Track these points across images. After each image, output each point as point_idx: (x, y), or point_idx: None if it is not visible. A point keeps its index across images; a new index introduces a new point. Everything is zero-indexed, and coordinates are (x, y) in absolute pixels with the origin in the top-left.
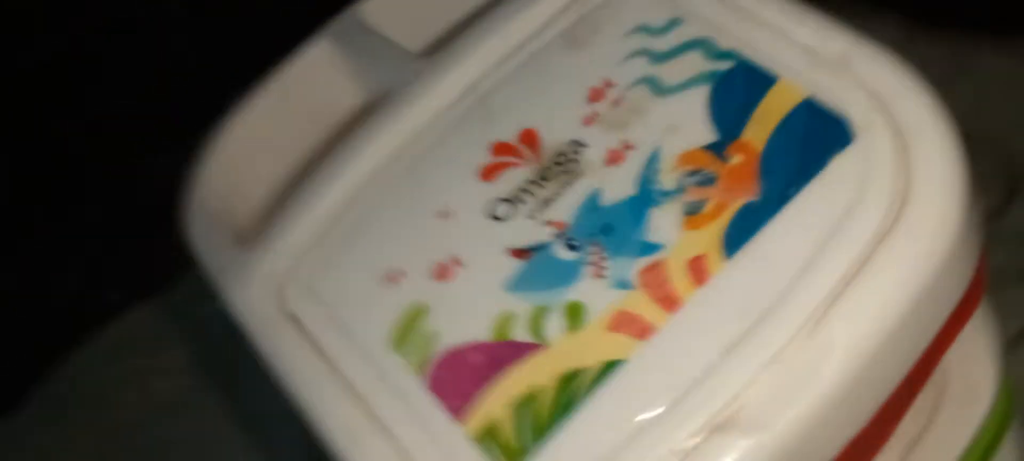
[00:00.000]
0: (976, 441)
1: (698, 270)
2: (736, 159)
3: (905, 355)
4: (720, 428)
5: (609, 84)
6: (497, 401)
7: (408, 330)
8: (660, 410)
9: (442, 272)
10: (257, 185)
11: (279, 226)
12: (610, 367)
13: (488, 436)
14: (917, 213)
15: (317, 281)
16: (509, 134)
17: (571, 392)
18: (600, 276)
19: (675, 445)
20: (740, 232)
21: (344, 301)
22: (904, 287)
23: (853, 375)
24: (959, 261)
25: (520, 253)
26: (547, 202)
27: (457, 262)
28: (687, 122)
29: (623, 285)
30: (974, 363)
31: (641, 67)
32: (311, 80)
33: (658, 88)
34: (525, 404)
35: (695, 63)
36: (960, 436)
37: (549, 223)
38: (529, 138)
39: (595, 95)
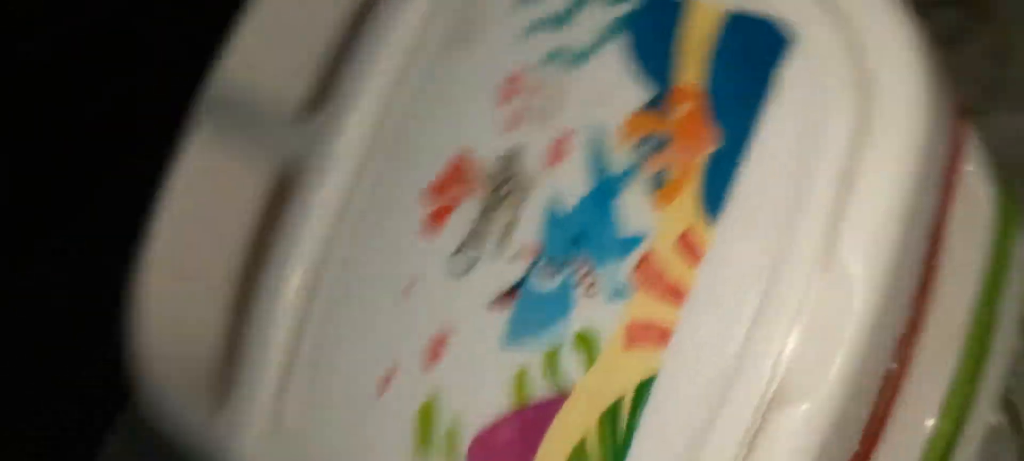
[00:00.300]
0: (990, 258)
1: (690, 248)
2: (682, 109)
3: (918, 246)
4: (773, 406)
5: (517, 75)
6: None
7: (427, 433)
8: (710, 412)
9: (433, 354)
10: (194, 311)
11: (247, 377)
12: (644, 387)
13: None
14: (885, 97)
15: (313, 421)
16: (436, 172)
17: (617, 429)
18: (594, 293)
19: (736, 442)
20: (716, 189)
21: (351, 430)
22: (898, 183)
23: (879, 293)
24: (940, 125)
25: (502, 301)
26: (506, 233)
27: (443, 337)
28: (614, 86)
29: (621, 294)
30: (972, 196)
31: (543, 41)
32: (206, 179)
33: (570, 58)
34: (578, 458)
35: (597, 15)
36: (974, 262)
37: (517, 256)
38: (459, 169)
39: (507, 92)
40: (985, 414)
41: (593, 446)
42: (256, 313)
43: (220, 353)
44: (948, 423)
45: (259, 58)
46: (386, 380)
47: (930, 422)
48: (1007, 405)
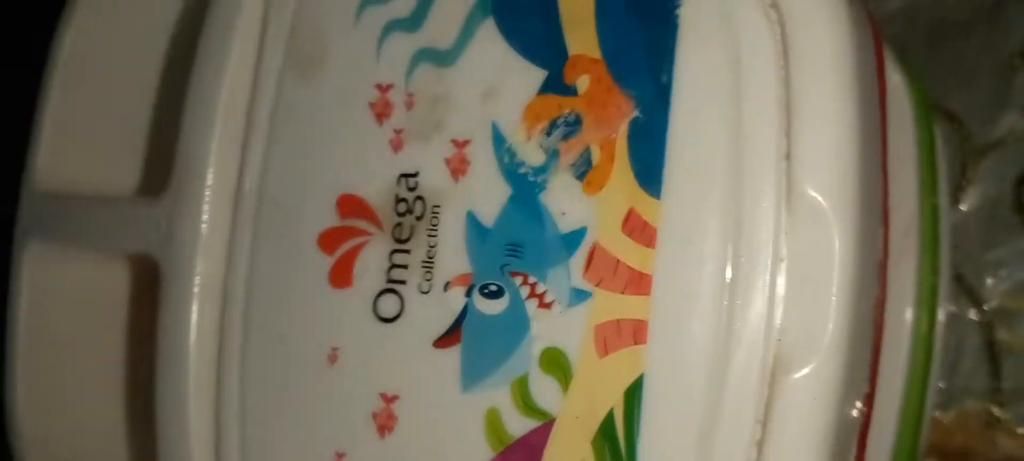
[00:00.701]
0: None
1: (640, 229)
2: (582, 82)
3: (874, 159)
4: (777, 373)
5: (385, 88)
6: None
7: None
8: (713, 396)
9: (384, 423)
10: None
11: None
12: (634, 392)
13: None
14: (797, 9)
15: None
16: (327, 216)
17: (615, 448)
18: (547, 305)
19: (750, 420)
20: (648, 161)
21: None
22: (843, 98)
23: (856, 220)
24: (861, 24)
25: (446, 340)
26: (428, 263)
27: (390, 399)
28: (500, 75)
29: (579, 297)
30: (895, 89)
31: (401, 48)
32: (53, 290)
33: (439, 58)
34: None
35: (452, 4)
36: (910, 156)
37: (449, 285)
38: (351, 205)
39: (381, 111)
40: (947, 297)
41: None
42: (162, 434)
43: None
44: (925, 314)
45: (72, 148)
46: None
47: (909, 316)
48: (959, 279)
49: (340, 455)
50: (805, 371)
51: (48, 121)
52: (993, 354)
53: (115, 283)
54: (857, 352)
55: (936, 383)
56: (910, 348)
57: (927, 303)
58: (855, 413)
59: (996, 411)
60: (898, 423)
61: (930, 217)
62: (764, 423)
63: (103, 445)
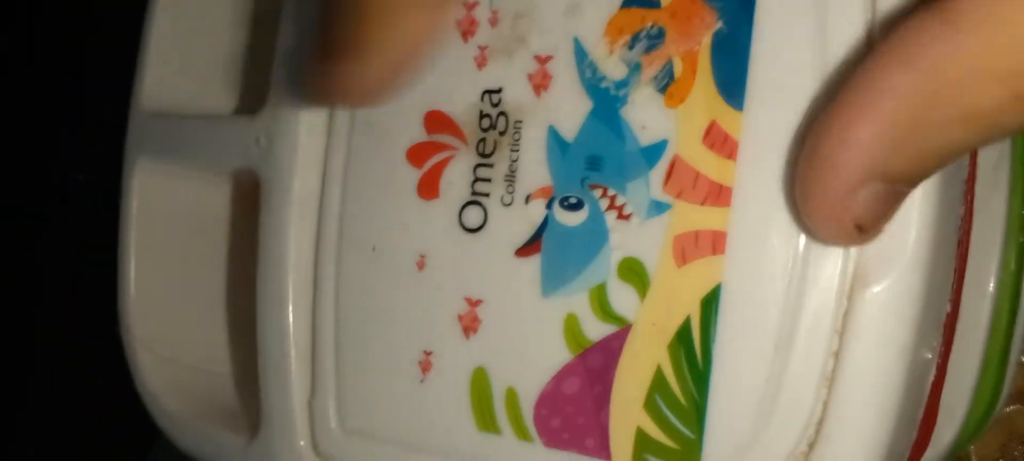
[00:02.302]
0: None
1: (721, 141)
2: None
3: None
4: (856, 286)
5: (471, 6)
6: (628, 415)
7: (485, 406)
8: (791, 308)
9: (470, 324)
10: (193, 342)
11: (273, 406)
12: (711, 301)
13: (646, 454)
14: None
15: (365, 426)
16: (415, 131)
17: (691, 354)
18: (626, 215)
19: (827, 331)
20: (731, 73)
21: (405, 423)
22: None
23: None
24: None
25: (527, 250)
26: (510, 177)
27: (474, 304)
28: None
29: (658, 209)
30: None
31: None
32: (161, 202)
33: None
34: (657, 397)
35: None
36: None
37: (531, 197)
38: (438, 121)
39: (467, 28)
40: None
41: (672, 374)
42: (263, 337)
43: (233, 380)
44: (1014, 250)
45: (175, 70)
46: (426, 365)
47: (997, 247)
48: None
49: (428, 353)
50: (883, 285)
51: (152, 43)
52: None
53: (218, 196)
54: (938, 270)
55: None
56: (997, 282)
57: (1016, 238)
58: (934, 335)
59: None
60: (982, 358)
61: (1022, 151)
62: (841, 334)
63: (207, 347)
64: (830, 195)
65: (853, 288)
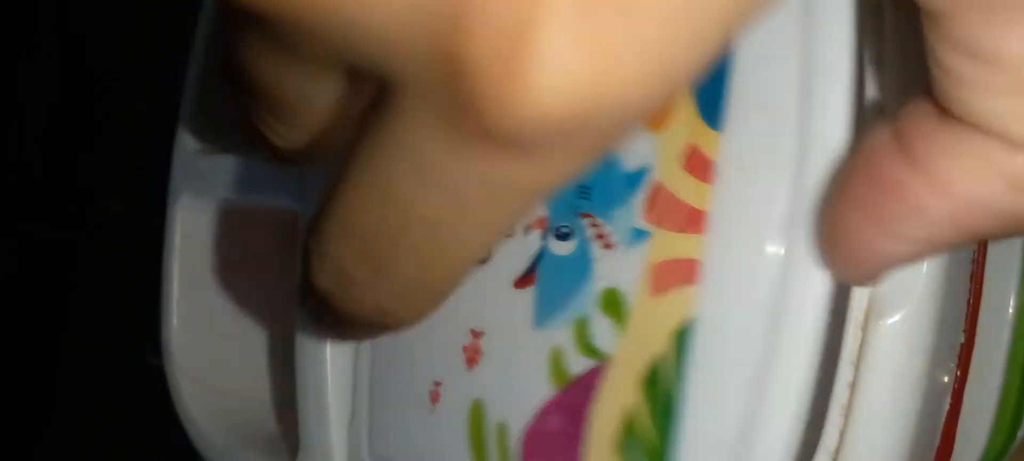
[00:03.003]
0: None
1: (698, 165)
2: None
3: None
4: (871, 318)
5: None
6: (600, 452)
7: (479, 438)
8: (765, 342)
9: (472, 355)
10: (233, 371)
11: (311, 431)
12: (684, 334)
13: None
14: None
15: (389, 454)
16: None
17: (659, 392)
18: (610, 245)
19: (844, 367)
20: (711, 93)
21: (419, 453)
22: None
23: None
24: None
25: (524, 281)
26: None
27: (477, 335)
28: None
29: (637, 236)
30: None
31: None
32: (203, 234)
33: None
34: (628, 434)
35: None
36: None
37: (529, 228)
38: None
39: None
40: None
41: (641, 418)
42: (301, 365)
43: (272, 408)
44: None
45: (217, 110)
46: (435, 395)
47: (1015, 270)
48: None
49: (438, 383)
50: (898, 317)
51: (194, 83)
52: None
53: (259, 231)
54: (952, 299)
55: None
56: (1016, 307)
57: None
58: (949, 363)
59: None
60: (1002, 384)
61: None
62: (857, 365)
63: (246, 376)
64: (863, 272)
65: (867, 320)
